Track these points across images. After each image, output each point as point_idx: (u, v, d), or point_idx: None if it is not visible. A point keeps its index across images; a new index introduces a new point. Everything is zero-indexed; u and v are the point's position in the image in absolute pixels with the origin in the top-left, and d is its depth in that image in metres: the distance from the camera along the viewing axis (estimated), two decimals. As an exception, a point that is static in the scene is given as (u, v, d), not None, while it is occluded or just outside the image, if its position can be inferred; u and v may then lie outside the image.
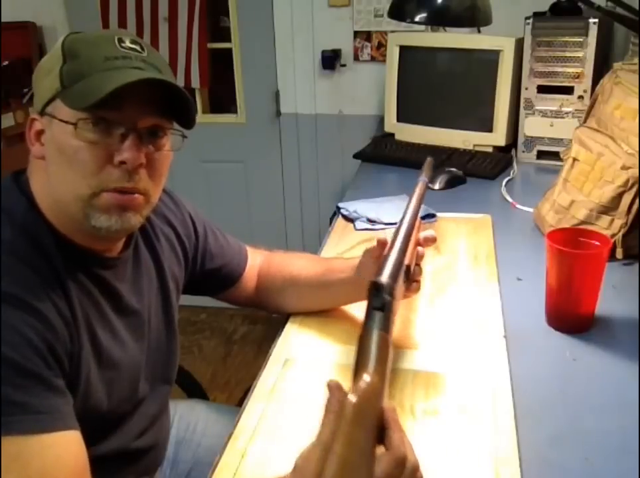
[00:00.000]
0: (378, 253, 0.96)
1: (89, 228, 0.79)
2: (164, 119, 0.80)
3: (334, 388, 0.58)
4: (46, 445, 0.69)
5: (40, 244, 0.78)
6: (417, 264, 0.95)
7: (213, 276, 1.10)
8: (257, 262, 1.17)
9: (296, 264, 1.14)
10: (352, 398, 0.56)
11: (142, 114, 0.77)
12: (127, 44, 0.78)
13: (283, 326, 1.10)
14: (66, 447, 0.71)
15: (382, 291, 0.70)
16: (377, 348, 0.62)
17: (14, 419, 0.67)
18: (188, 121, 0.82)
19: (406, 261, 0.84)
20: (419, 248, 0.95)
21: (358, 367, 0.60)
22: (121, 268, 0.88)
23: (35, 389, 0.70)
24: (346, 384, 0.94)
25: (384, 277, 0.74)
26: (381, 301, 0.68)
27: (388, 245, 0.87)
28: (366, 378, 0.58)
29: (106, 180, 0.77)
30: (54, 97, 0.76)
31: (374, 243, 0.97)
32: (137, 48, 0.78)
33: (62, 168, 0.77)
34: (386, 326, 0.66)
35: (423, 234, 0.96)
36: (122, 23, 2.59)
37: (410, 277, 0.91)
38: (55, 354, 0.73)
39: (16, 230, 0.77)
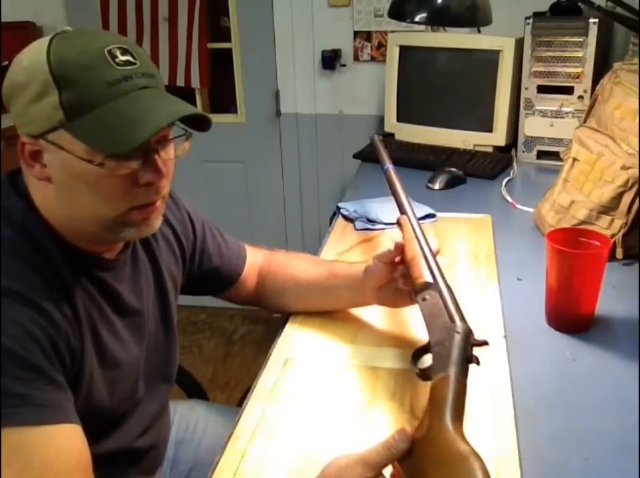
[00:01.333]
0: (393, 256, 0.96)
1: (113, 239, 0.81)
2: (169, 126, 0.80)
3: (406, 437, 0.61)
4: (49, 436, 0.69)
5: (40, 245, 0.78)
6: None
7: (212, 275, 1.10)
8: (257, 261, 1.17)
9: (298, 265, 1.14)
10: (473, 452, 0.58)
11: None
12: (120, 57, 0.74)
13: (283, 326, 1.10)
14: (69, 439, 0.72)
15: (470, 340, 0.74)
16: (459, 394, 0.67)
17: (16, 410, 0.68)
18: (201, 128, 0.82)
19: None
20: None
21: (454, 413, 0.64)
22: (120, 269, 0.89)
23: (37, 382, 0.70)
24: (347, 383, 0.94)
25: (462, 323, 0.78)
26: (471, 353, 0.73)
27: (419, 265, 0.88)
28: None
29: (134, 200, 0.78)
30: (56, 127, 0.73)
31: (375, 243, 0.97)
32: (130, 59, 0.75)
33: (83, 194, 0.76)
34: (466, 373, 0.71)
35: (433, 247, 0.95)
36: (122, 23, 2.59)
37: None
38: (57, 350, 0.74)
39: (16, 230, 0.77)
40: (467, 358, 0.71)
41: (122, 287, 0.88)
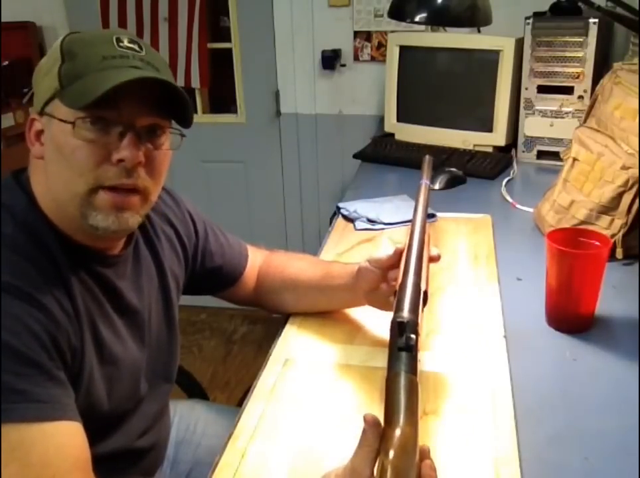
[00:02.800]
0: (389, 263, 0.96)
1: (87, 227, 0.79)
2: (163, 118, 0.81)
3: (371, 423, 0.58)
4: (48, 433, 0.69)
5: (42, 241, 0.78)
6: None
7: (213, 275, 1.10)
8: (257, 261, 1.17)
9: (296, 266, 1.14)
10: (391, 455, 0.55)
11: (140, 113, 0.77)
12: (125, 43, 0.78)
13: (283, 327, 1.10)
14: (69, 437, 0.71)
15: (406, 330, 0.67)
16: (406, 393, 0.60)
17: (15, 406, 0.67)
18: (185, 120, 0.82)
19: (423, 286, 0.81)
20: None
21: (390, 416, 0.58)
22: (121, 266, 0.89)
23: (37, 378, 0.70)
24: (345, 382, 0.94)
25: (406, 313, 0.71)
26: (406, 341, 0.65)
27: (402, 268, 0.85)
28: (398, 431, 0.56)
29: (103, 176, 0.77)
30: (52, 97, 0.77)
31: (375, 243, 0.96)
32: (135, 47, 0.78)
33: (60, 167, 0.78)
34: (413, 368, 0.64)
35: (431, 252, 0.94)
36: (122, 23, 2.59)
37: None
38: (57, 346, 0.74)
39: (17, 226, 0.77)
40: (400, 348, 0.65)
41: (123, 284, 0.89)
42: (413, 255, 0.86)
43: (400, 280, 0.82)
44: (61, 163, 0.77)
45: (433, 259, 0.94)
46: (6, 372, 0.68)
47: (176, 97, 0.79)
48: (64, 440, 0.70)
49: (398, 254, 0.94)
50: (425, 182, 1.10)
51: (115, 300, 0.87)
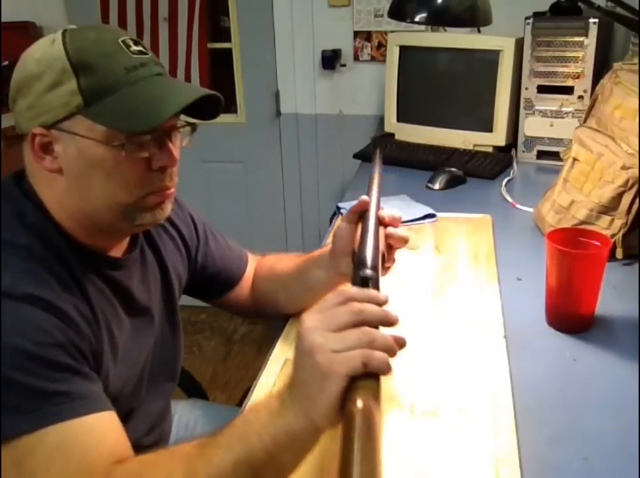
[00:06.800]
0: (361, 210, 0.89)
1: (127, 226, 0.82)
2: (177, 116, 0.82)
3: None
4: (86, 428, 0.69)
5: (54, 248, 0.78)
6: (391, 247, 0.88)
7: (213, 278, 1.10)
8: (252, 267, 1.17)
9: (282, 262, 1.13)
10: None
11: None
12: (133, 47, 0.78)
13: (283, 327, 1.10)
14: (106, 428, 0.72)
15: (369, 285, 0.66)
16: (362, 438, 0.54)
17: (62, 407, 0.68)
18: (213, 114, 0.84)
19: (381, 247, 0.81)
20: (391, 229, 0.88)
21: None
22: (130, 268, 0.89)
23: (73, 378, 0.70)
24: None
25: (369, 271, 0.69)
26: (366, 273, 0.66)
27: (358, 234, 0.84)
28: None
29: (150, 185, 0.79)
30: (73, 113, 0.74)
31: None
32: (142, 49, 0.79)
33: (99, 181, 0.77)
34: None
35: (387, 213, 0.88)
36: (122, 23, 2.59)
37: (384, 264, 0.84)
38: (81, 352, 0.74)
39: (30, 235, 0.77)
40: (365, 278, 0.64)
41: (133, 285, 0.89)
42: (371, 219, 0.84)
43: (358, 240, 0.82)
44: (100, 179, 0.77)
45: (395, 221, 0.88)
46: (43, 380, 0.68)
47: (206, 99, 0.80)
48: (102, 432, 0.71)
49: (365, 202, 0.88)
50: (378, 171, 1.05)
51: (127, 302, 0.88)
